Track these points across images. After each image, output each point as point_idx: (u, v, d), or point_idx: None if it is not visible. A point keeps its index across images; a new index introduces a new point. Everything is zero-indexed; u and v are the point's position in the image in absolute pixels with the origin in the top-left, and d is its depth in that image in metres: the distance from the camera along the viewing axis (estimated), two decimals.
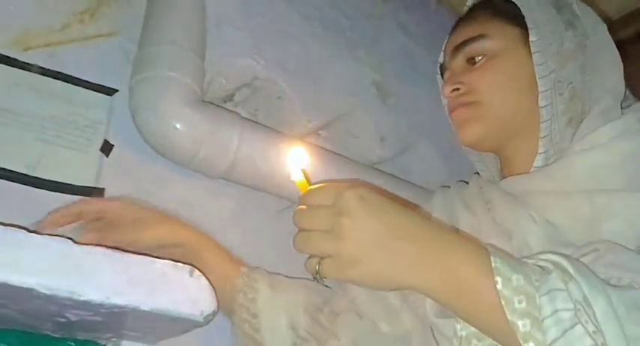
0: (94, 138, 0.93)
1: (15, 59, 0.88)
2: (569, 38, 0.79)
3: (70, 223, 0.81)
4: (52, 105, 0.90)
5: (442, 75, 0.91)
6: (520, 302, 0.50)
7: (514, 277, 0.51)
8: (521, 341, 0.49)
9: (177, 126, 0.90)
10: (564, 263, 0.53)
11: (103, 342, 0.86)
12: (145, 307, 0.68)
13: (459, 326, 0.57)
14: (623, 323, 0.48)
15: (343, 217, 0.53)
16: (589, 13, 0.84)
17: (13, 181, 0.83)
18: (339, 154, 1.11)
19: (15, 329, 0.81)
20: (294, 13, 1.14)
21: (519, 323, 0.49)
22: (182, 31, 0.97)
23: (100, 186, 0.91)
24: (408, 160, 1.25)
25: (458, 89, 0.81)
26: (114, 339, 0.84)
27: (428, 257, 0.53)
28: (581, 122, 0.77)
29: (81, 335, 0.83)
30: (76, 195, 0.88)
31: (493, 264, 0.52)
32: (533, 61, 0.77)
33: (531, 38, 0.77)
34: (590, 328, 0.47)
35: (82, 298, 0.64)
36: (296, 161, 0.61)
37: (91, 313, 0.69)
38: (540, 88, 0.76)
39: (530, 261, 0.56)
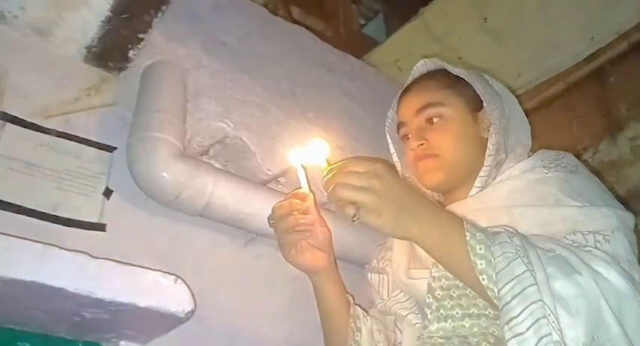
0: (98, 186, 1.20)
1: (39, 125, 1.16)
2: (501, 107, 1.06)
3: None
4: (66, 160, 1.17)
5: (398, 129, 1.12)
6: (480, 249, 0.75)
7: (478, 234, 0.77)
8: (477, 275, 0.74)
9: (164, 174, 1.17)
10: (509, 229, 0.82)
11: (105, 343, 1.09)
12: (142, 304, 0.93)
13: (434, 269, 0.85)
14: (544, 261, 0.73)
15: (380, 181, 0.75)
16: (501, 85, 1.12)
17: (38, 218, 1.09)
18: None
19: (34, 332, 1.04)
20: (256, 85, 1.44)
21: (478, 262, 0.74)
22: (168, 102, 1.25)
23: (103, 222, 1.16)
24: None
25: (422, 144, 1.04)
26: (114, 340, 1.08)
27: (427, 216, 0.78)
28: (502, 164, 1.04)
29: (89, 336, 1.06)
30: (84, 229, 1.13)
31: (465, 225, 0.77)
32: (490, 131, 1.01)
33: (488, 112, 1.03)
34: (525, 261, 0.72)
35: (97, 296, 0.89)
36: (319, 152, 0.86)
37: (101, 311, 0.94)
38: (490, 146, 1.01)
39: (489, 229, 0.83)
